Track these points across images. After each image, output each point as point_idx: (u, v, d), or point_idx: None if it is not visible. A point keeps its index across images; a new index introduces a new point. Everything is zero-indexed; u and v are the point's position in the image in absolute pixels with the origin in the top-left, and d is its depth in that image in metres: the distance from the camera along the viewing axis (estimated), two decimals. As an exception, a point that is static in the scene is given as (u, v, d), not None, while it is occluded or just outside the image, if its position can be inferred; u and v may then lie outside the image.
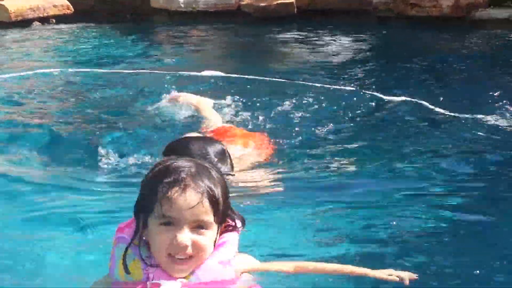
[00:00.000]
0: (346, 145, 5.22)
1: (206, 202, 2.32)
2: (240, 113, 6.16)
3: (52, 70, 7.85)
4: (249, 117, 5.94)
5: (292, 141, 5.30)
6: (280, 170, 4.51)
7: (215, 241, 2.42)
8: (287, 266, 2.67)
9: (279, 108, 6.35)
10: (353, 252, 3.24)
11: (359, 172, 4.51)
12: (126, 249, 2.40)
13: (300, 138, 5.38)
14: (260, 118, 5.93)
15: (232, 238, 2.50)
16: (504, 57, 9.79)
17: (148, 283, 2.37)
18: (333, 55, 9.85)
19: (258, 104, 6.51)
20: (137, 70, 7.90)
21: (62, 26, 12.76)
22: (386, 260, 3.12)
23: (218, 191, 2.37)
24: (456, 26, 11.97)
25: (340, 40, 11.28)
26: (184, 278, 2.39)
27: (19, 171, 4.36)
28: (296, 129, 5.68)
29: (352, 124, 5.90)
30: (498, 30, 11.68)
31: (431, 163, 4.73)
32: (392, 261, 3.11)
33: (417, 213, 3.75)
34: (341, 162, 4.76)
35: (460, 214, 3.76)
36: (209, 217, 2.34)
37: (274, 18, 12.82)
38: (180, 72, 7.95)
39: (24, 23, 12.54)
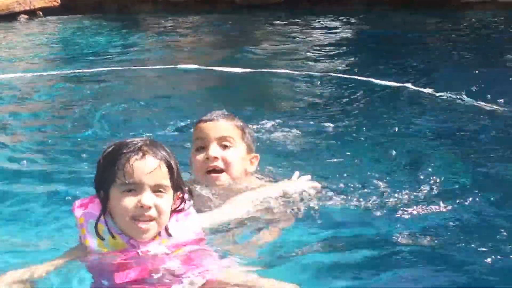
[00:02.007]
0: (339, 130, 5.17)
1: (164, 167, 2.59)
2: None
3: (39, 73, 7.66)
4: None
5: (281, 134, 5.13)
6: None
7: (171, 207, 2.67)
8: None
9: (250, 101, 6.23)
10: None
11: (352, 159, 4.37)
12: (97, 223, 2.60)
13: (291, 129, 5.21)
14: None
15: (192, 209, 2.80)
16: (490, 38, 9.83)
17: (139, 251, 2.60)
18: (321, 42, 9.86)
19: (242, 98, 6.47)
20: (113, 68, 7.80)
21: (49, 18, 12.73)
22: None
23: (173, 161, 2.64)
24: (442, 8, 11.99)
25: (327, 26, 11.29)
26: (162, 241, 2.65)
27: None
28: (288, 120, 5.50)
29: (342, 110, 5.88)
30: (484, 11, 11.71)
31: (424, 146, 4.66)
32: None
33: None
34: (333, 146, 4.74)
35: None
36: (167, 181, 2.61)
37: (260, 6, 12.79)
38: (154, 67, 7.91)
39: (10, 16, 12.49)
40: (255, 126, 4.95)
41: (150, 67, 7.95)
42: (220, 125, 3.30)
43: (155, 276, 2.57)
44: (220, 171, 3.28)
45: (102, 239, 2.60)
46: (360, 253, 2.97)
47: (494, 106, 5.65)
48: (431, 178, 3.82)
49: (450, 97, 5.99)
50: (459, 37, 10.04)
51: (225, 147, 3.28)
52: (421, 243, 3.08)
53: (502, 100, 5.70)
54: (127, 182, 2.54)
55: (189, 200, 2.76)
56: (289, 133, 5.05)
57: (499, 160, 4.30)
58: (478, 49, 8.93)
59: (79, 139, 5.04)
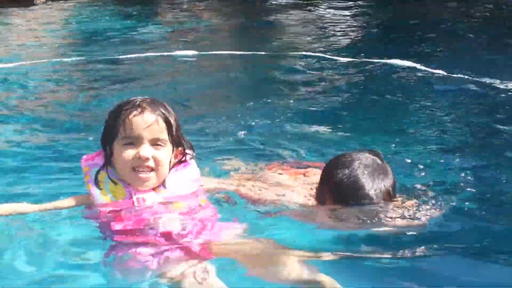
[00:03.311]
0: (347, 112, 5.29)
1: (161, 122, 2.79)
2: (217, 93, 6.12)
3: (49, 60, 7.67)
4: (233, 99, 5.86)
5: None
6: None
7: (170, 162, 2.86)
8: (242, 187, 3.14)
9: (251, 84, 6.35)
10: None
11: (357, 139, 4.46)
12: (99, 170, 2.85)
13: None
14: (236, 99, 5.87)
15: (192, 161, 2.99)
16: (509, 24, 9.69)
17: (134, 197, 2.81)
18: (330, 24, 9.84)
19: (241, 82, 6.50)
20: (128, 55, 7.78)
21: (65, 3, 12.78)
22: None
23: (171, 118, 2.84)
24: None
25: (337, 7, 11.26)
26: (160, 191, 2.84)
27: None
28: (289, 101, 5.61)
29: (351, 92, 5.98)
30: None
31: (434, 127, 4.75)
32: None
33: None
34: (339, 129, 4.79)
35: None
36: (164, 135, 2.81)
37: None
38: (150, 54, 7.91)
39: (28, 1, 12.57)
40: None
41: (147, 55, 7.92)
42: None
43: (152, 227, 2.73)
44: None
45: (97, 183, 2.82)
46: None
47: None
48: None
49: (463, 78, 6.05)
50: (474, 19, 9.95)
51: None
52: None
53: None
54: (127, 135, 2.77)
55: (191, 155, 2.97)
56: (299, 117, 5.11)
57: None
58: (494, 33, 8.84)
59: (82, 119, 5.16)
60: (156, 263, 2.61)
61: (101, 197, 2.82)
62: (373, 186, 2.83)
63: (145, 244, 2.67)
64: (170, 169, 2.87)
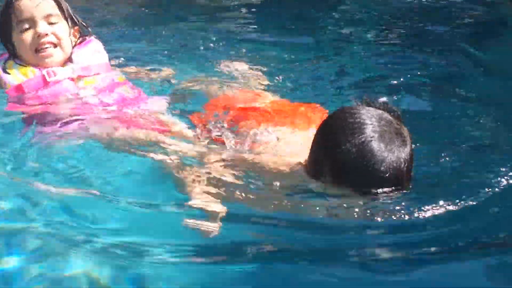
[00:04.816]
0: None
1: (50, 0, 3.02)
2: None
3: None
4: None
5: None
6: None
7: (71, 40, 3.08)
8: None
9: None
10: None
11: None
12: (7, 60, 3.05)
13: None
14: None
15: (93, 38, 3.23)
16: None
17: (43, 71, 3.00)
18: None
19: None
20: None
21: None
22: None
23: None
24: None
25: None
26: (68, 65, 3.04)
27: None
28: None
29: None
30: None
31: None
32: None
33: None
34: None
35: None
36: (56, 11, 3.05)
37: None
38: None
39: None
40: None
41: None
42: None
43: (69, 101, 2.94)
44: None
45: (5, 70, 3.03)
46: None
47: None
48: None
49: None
50: None
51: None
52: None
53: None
54: (19, 20, 2.98)
55: (89, 33, 3.22)
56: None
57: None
58: None
59: None
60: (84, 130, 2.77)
61: (12, 79, 2.99)
62: (389, 162, 2.19)
63: (63, 117, 2.83)
64: (72, 47, 3.09)
